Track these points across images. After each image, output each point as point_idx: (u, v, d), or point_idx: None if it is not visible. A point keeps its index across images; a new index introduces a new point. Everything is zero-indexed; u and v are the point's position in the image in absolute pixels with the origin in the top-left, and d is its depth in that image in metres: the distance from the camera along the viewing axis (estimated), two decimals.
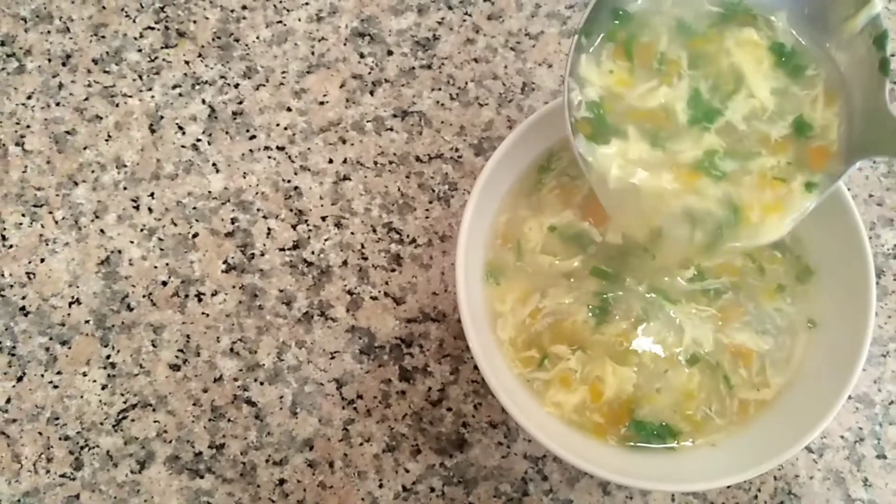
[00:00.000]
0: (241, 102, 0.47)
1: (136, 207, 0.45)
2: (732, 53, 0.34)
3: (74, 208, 0.45)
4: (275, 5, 0.49)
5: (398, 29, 0.49)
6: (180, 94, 0.47)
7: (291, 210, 0.45)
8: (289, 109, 0.47)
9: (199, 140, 0.46)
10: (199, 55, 0.48)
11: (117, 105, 0.47)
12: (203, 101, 0.47)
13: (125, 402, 0.42)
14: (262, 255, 0.45)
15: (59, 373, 0.42)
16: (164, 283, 0.44)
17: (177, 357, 0.43)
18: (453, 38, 0.49)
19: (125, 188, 0.45)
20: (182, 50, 0.48)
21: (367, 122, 0.47)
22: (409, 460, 0.42)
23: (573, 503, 0.42)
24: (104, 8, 0.49)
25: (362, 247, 0.45)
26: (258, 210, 0.45)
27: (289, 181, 0.46)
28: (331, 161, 0.46)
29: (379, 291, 0.44)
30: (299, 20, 0.49)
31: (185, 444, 0.42)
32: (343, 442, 0.42)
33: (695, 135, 0.34)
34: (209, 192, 0.46)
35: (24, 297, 0.43)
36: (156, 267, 0.44)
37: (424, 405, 0.43)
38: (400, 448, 0.42)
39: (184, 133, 0.46)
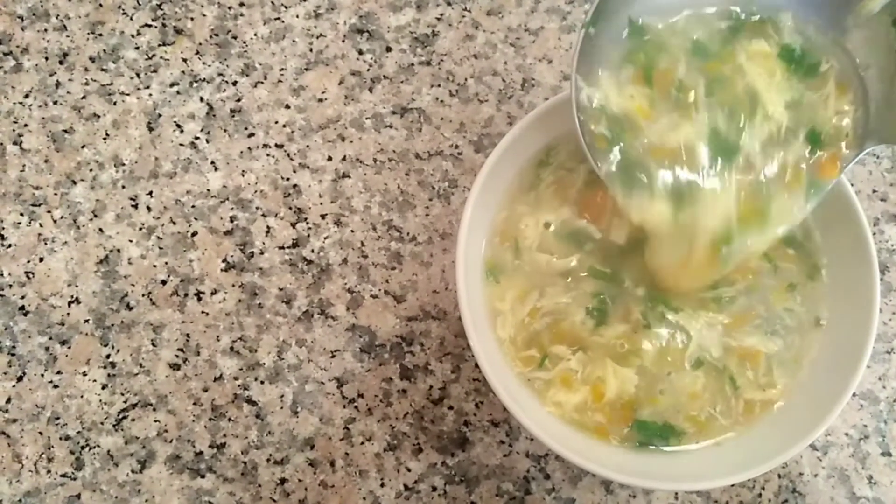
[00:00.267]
0: (239, 100, 0.47)
1: (135, 206, 0.45)
2: (746, 71, 0.34)
3: (73, 207, 0.45)
4: (272, 2, 0.49)
5: (397, 25, 0.48)
6: (178, 92, 0.47)
7: (291, 208, 0.45)
8: (287, 107, 0.47)
9: (197, 138, 0.46)
10: (197, 53, 0.48)
11: (115, 103, 0.47)
12: (201, 99, 0.47)
13: (125, 402, 0.42)
14: (262, 253, 0.44)
15: (59, 372, 0.42)
16: (164, 282, 0.44)
17: (177, 356, 0.43)
18: (452, 34, 0.48)
19: (123, 187, 0.45)
20: (179, 47, 0.48)
21: (367, 119, 0.47)
22: (411, 459, 0.42)
23: (576, 502, 0.41)
24: (101, 5, 0.48)
25: (362, 245, 0.45)
26: (257, 208, 0.45)
27: (288, 179, 0.46)
28: (330, 158, 0.46)
29: (379, 289, 0.44)
30: (297, 17, 0.48)
31: (185, 443, 0.42)
32: (344, 441, 0.42)
33: (716, 189, 0.34)
34: (208, 190, 0.45)
35: (23, 297, 0.43)
36: (155, 266, 0.44)
37: (426, 404, 0.43)
38: (401, 447, 0.42)
39: (182, 131, 0.46)
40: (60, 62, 0.47)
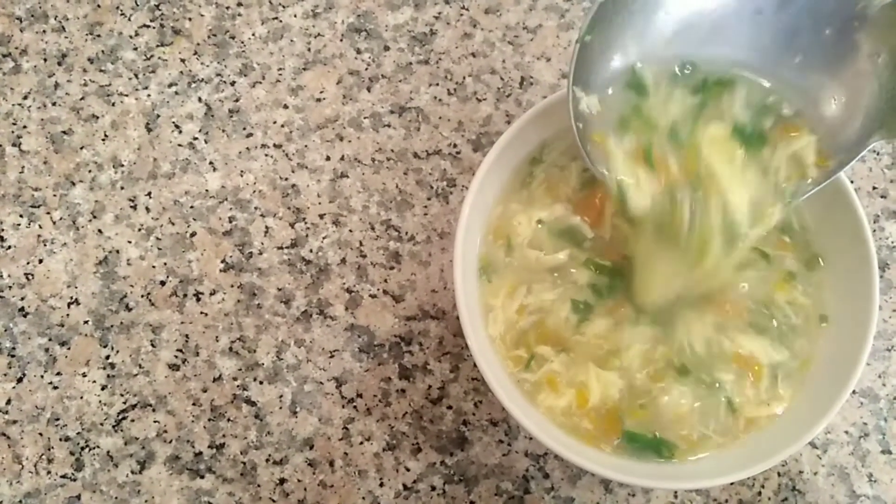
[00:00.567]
0: (237, 100, 0.47)
1: (134, 207, 0.45)
2: (709, 161, 0.34)
3: (72, 208, 0.45)
4: (270, 2, 0.49)
5: (395, 24, 0.48)
6: (176, 93, 0.47)
7: (289, 208, 0.45)
8: (285, 107, 0.47)
9: (195, 139, 0.46)
10: (195, 53, 0.48)
11: (113, 104, 0.47)
12: (199, 100, 0.47)
13: (125, 403, 0.42)
14: (261, 253, 0.44)
15: (58, 373, 0.42)
16: (163, 283, 0.44)
17: (176, 357, 0.43)
18: (450, 33, 0.48)
19: (122, 188, 0.45)
20: (178, 48, 0.48)
21: (365, 118, 0.47)
22: (410, 459, 0.42)
23: (575, 501, 0.41)
24: (99, 6, 0.48)
25: (361, 244, 0.45)
26: (256, 208, 0.45)
27: (286, 179, 0.46)
28: (328, 158, 0.46)
29: (378, 289, 0.44)
30: (295, 16, 0.48)
31: (185, 443, 0.42)
32: (343, 441, 0.42)
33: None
34: (206, 190, 0.45)
35: (22, 298, 0.43)
36: (154, 266, 0.44)
37: (424, 403, 0.43)
38: (400, 446, 0.42)
39: (180, 132, 0.46)
40: (59, 63, 0.47)
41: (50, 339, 0.43)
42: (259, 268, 0.44)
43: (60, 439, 0.41)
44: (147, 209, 0.45)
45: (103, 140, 0.46)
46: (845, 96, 0.35)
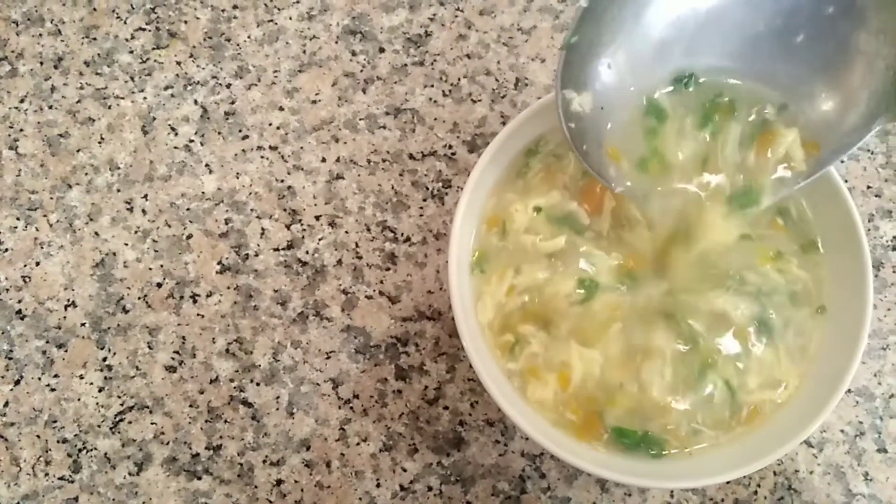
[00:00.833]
0: (233, 102, 0.47)
1: (130, 209, 0.45)
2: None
3: (68, 211, 0.45)
4: (265, 4, 0.49)
5: (390, 26, 0.48)
6: (172, 95, 0.47)
7: (285, 210, 0.45)
8: (281, 109, 0.47)
9: (191, 141, 0.46)
10: (191, 55, 0.48)
11: (109, 107, 0.47)
12: (195, 102, 0.47)
13: (122, 405, 0.42)
14: (257, 255, 0.45)
15: (56, 376, 0.43)
16: (159, 285, 0.44)
17: (173, 359, 0.43)
18: (445, 35, 0.48)
19: (119, 190, 0.45)
20: (173, 51, 0.48)
21: (360, 120, 0.47)
22: (407, 459, 0.42)
23: (571, 501, 0.42)
24: (95, 10, 0.48)
25: (356, 246, 0.45)
26: (252, 210, 0.45)
27: (282, 181, 0.46)
28: (324, 160, 0.46)
29: (374, 290, 0.44)
30: (290, 19, 0.48)
31: (182, 445, 0.42)
32: (340, 442, 0.42)
33: None
34: (202, 192, 0.45)
35: (20, 301, 0.44)
36: (150, 269, 0.44)
37: (421, 404, 0.43)
38: (397, 447, 0.42)
39: (176, 134, 0.46)
40: (55, 66, 0.47)
41: (47, 342, 0.43)
42: (255, 269, 0.44)
43: (58, 441, 0.42)
44: (143, 211, 0.45)
45: (100, 143, 0.46)
46: (849, 78, 0.34)
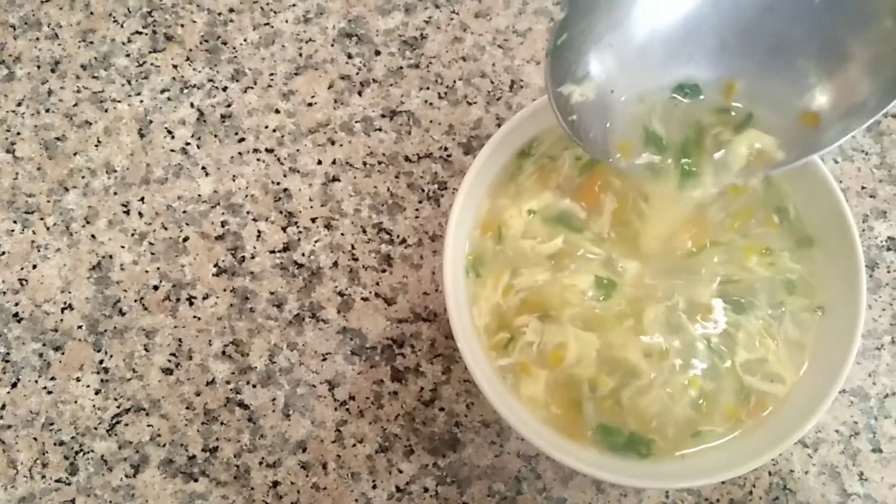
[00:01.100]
0: (229, 105, 0.47)
1: (127, 212, 0.45)
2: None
3: (65, 214, 0.45)
4: (262, 7, 0.49)
5: (385, 29, 0.49)
6: (169, 99, 0.47)
7: (281, 212, 0.45)
8: (277, 111, 0.47)
9: (188, 144, 0.46)
10: (187, 59, 0.48)
11: (106, 110, 0.47)
12: (191, 105, 0.47)
13: (119, 407, 0.42)
14: (253, 257, 0.45)
15: (52, 378, 0.43)
16: (156, 288, 0.44)
17: (169, 361, 0.43)
18: (441, 37, 0.48)
19: (115, 193, 0.46)
20: (170, 54, 0.48)
21: (356, 122, 0.47)
22: (403, 461, 0.42)
23: (567, 501, 0.42)
24: (92, 14, 0.49)
25: (352, 248, 0.45)
26: (248, 213, 0.45)
27: (278, 183, 0.46)
28: (320, 162, 0.46)
29: (370, 292, 0.44)
30: (286, 22, 0.49)
31: (178, 447, 0.42)
32: (336, 443, 0.42)
33: None
34: (199, 195, 0.46)
35: (17, 304, 0.44)
36: (147, 271, 0.44)
37: (417, 405, 0.43)
38: (393, 448, 0.42)
39: (173, 137, 0.47)
40: (52, 70, 0.48)
41: (44, 344, 0.43)
42: (251, 272, 0.44)
43: (55, 444, 0.42)
44: (140, 214, 0.45)
45: (96, 146, 0.46)
46: (865, 50, 0.34)
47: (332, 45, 0.48)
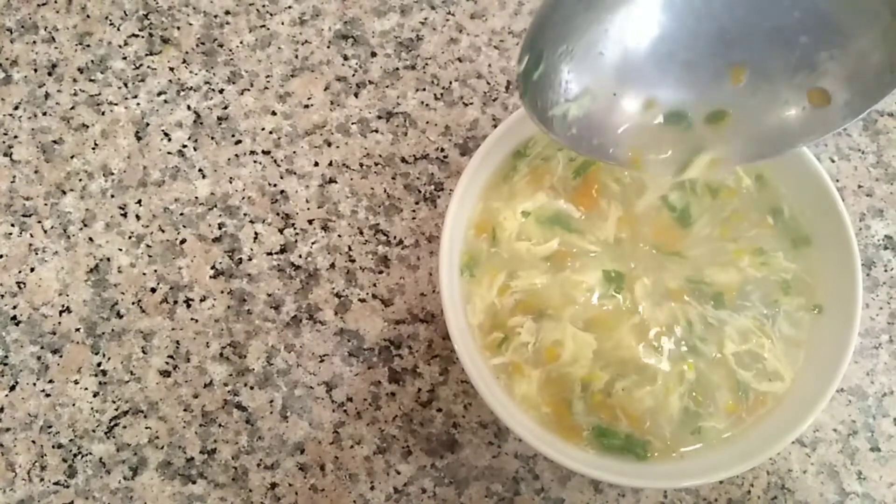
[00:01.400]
0: (226, 108, 0.47)
1: (124, 215, 0.45)
2: None
3: (63, 217, 0.45)
4: (258, 10, 0.49)
5: (381, 30, 0.49)
6: (165, 101, 0.47)
7: (278, 214, 0.46)
8: (273, 113, 0.47)
9: (184, 146, 0.46)
10: (184, 61, 0.48)
11: (103, 113, 0.47)
12: (188, 108, 0.47)
13: (117, 409, 0.42)
14: (250, 259, 0.45)
15: (50, 381, 0.43)
16: (153, 290, 0.44)
17: (167, 363, 0.43)
18: (437, 38, 0.49)
19: (112, 196, 0.46)
20: (166, 57, 0.48)
21: (352, 124, 0.47)
22: (401, 462, 0.42)
23: (565, 502, 0.42)
24: (88, 17, 0.49)
25: (349, 249, 0.45)
26: (245, 215, 0.45)
27: (275, 185, 0.46)
28: (316, 164, 0.46)
29: (367, 293, 0.44)
30: (282, 24, 0.49)
31: (176, 449, 0.42)
32: (334, 445, 0.42)
33: None
34: (196, 197, 0.46)
35: (14, 307, 0.44)
36: (144, 274, 0.44)
37: (414, 406, 0.43)
38: (391, 450, 0.42)
39: (170, 139, 0.47)
40: (49, 73, 0.48)
41: (42, 347, 0.43)
42: (249, 274, 0.45)
43: (53, 446, 0.42)
44: (137, 217, 0.45)
45: (93, 149, 0.46)
46: (873, 24, 0.33)
47: (329, 47, 0.48)
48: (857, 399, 0.43)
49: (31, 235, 0.45)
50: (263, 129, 0.47)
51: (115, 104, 0.47)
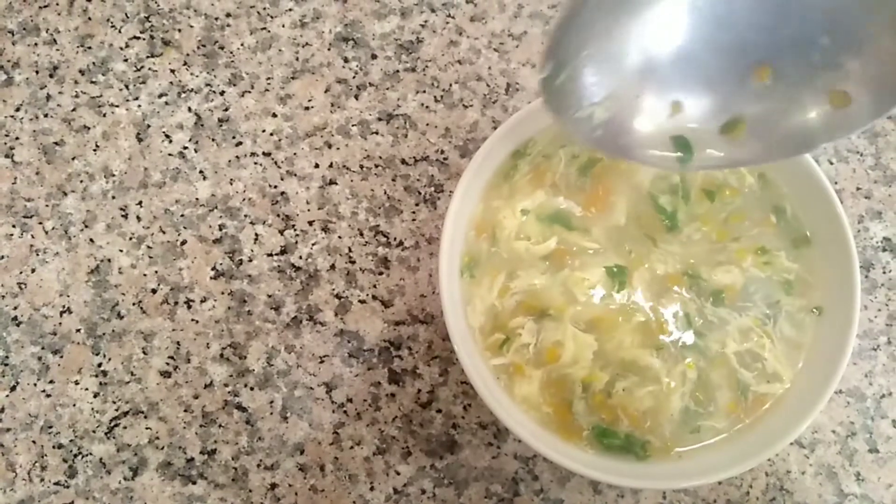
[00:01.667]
0: (226, 109, 0.47)
1: (125, 216, 0.45)
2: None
3: (64, 218, 0.45)
4: (258, 12, 0.49)
5: (382, 33, 0.49)
6: (166, 103, 0.47)
7: (278, 215, 0.46)
8: (274, 115, 0.47)
9: (185, 148, 0.47)
10: (185, 63, 0.48)
11: (104, 115, 0.47)
12: (189, 109, 0.47)
13: (117, 410, 0.43)
14: (250, 260, 0.45)
15: (51, 381, 0.43)
16: (154, 291, 0.44)
17: (167, 364, 0.43)
18: (437, 41, 0.49)
19: (113, 197, 0.46)
20: (167, 59, 0.48)
21: (353, 126, 0.47)
22: (400, 463, 0.42)
23: (564, 502, 0.42)
24: (90, 19, 0.49)
25: (349, 250, 0.45)
26: (245, 216, 0.46)
27: (275, 187, 0.46)
28: (317, 166, 0.47)
29: (367, 295, 0.45)
30: (283, 26, 0.49)
31: (176, 450, 0.42)
32: (334, 445, 0.42)
33: None
34: (196, 199, 0.46)
35: (15, 308, 0.44)
36: (145, 275, 0.45)
37: (414, 407, 0.43)
38: (390, 450, 0.42)
39: (170, 141, 0.47)
40: (51, 75, 0.48)
41: (43, 348, 0.43)
42: (249, 275, 0.45)
43: (53, 447, 0.42)
44: (138, 218, 0.45)
45: (94, 150, 0.47)
46: (893, 29, 0.32)
47: (329, 49, 0.49)
48: (855, 400, 0.44)
49: (33, 236, 0.45)
50: (264, 130, 0.47)
51: (117, 106, 0.47)
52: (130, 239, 0.45)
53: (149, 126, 0.47)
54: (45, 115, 0.47)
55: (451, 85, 0.48)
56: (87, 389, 0.43)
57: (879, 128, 0.48)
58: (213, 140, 0.47)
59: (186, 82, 0.48)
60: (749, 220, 0.39)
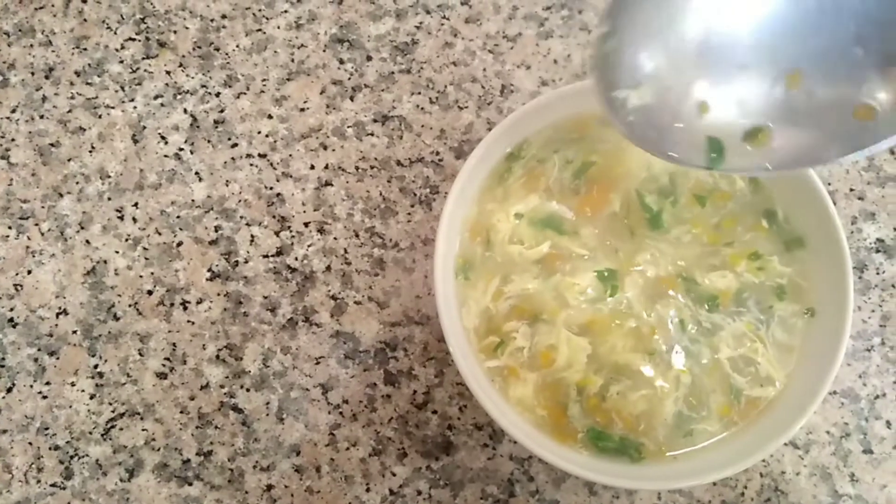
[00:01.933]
0: (222, 111, 0.47)
1: (121, 217, 0.46)
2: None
3: (60, 220, 0.45)
4: (254, 14, 0.49)
5: (377, 34, 0.49)
6: (162, 104, 0.47)
7: (274, 217, 0.46)
8: (270, 117, 0.47)
9: (181, 149, 0.47)
10: (180, 65, 0.48)
11: (100, 116, 0.47)
12: (185, 111, 0.47)
13: (113, 411, 0.43)
14: (246, 262, 0.45)
15: (47, 383, 0.43)
16: (150, 292, 0.44)
17: (163, 365, 0.43)
18: (432, 42, 0.49)
19: (109, 199, 0.46)
20: (163, 60, 0.48)
21: (348, 127, 0.47)
22: (396, 464, 0.42)
23: None
24: (85, 21, 0.49)
25: (345, 252, 0.45)
26: (241, 217, 0.46)
27: (271, 188, 0.46)
28: (312, 167, 0.47)
29: (363, 296, 0.45)
30: (278, 28, 0.49)
31: (173, 451, 0.42)
32: (329, 447, 0.42)
33: None
34: (192, 200, 0.46)
35: (11, 309, 0.44)
36: (141, 276, 0.45)
37: (410, 408, 0.43)
38: (386, 452, 0.42)
39: (166, 143, 0.47)
40: (46, 77, 0.48)
41: (39, 349, 0.43)
42: (245, 276, 0.45)
43: (50, 448, 0.42)
44: (134, 220, 0.45)
45: (90, 152, 0.47)
46: None
47: (324, 51, 0.49)
48: (849, 401, 0.44)
49: (29, 238, 0.45)
50: (259, 132, 0.47)
51: (112, 107, 0.47)
52: (126, 240, 0.45)
53: (144, 127, 0.47)
54: (41, 117, 0.47)
55: (446, 86, 0.48)
56: (83, 391, 0.43)
57: None
58: (208, 141, 0.47)
59: (182, 84, 0.48)
60: (741, 225, 0.40)
